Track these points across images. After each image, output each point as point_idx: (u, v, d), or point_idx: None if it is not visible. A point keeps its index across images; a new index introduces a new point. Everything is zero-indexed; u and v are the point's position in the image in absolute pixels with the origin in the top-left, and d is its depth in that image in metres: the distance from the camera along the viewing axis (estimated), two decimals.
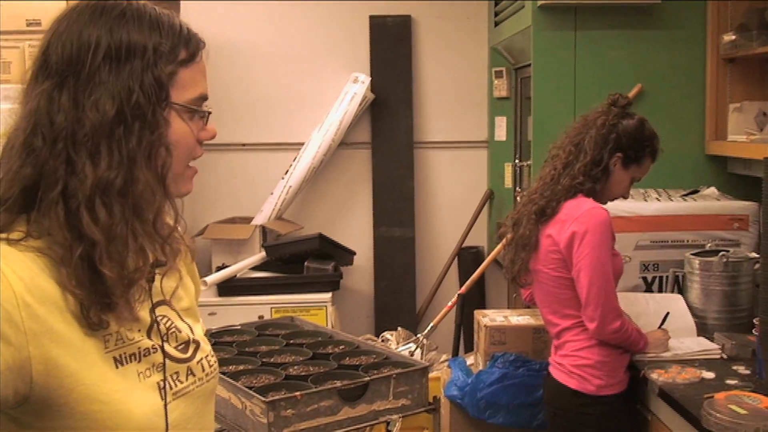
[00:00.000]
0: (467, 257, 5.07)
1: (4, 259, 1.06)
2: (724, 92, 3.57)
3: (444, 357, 4.04)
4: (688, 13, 3.63)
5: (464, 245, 5.11)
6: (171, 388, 1.22)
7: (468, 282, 4.20)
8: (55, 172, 1.09)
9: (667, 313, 2.90)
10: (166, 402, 1.20)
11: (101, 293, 1.10)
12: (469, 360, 3.47)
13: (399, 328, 4.29)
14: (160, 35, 1.15)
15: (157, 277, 1.25)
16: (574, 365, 2.64)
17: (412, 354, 3.75)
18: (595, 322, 2.57)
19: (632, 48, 3.65)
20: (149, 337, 1.21)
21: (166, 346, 1.23)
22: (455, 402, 3.26)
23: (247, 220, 4.78)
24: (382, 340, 4.13)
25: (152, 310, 1.23)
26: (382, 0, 5.01)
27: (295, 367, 2.72)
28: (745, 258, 3.00)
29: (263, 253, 4.61)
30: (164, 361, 1.22)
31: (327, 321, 4.37)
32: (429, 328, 4.04)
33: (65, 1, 3.74)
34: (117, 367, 1.14)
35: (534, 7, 3.64)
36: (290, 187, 4.75)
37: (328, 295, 4.46)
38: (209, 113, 1.23)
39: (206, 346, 1.33)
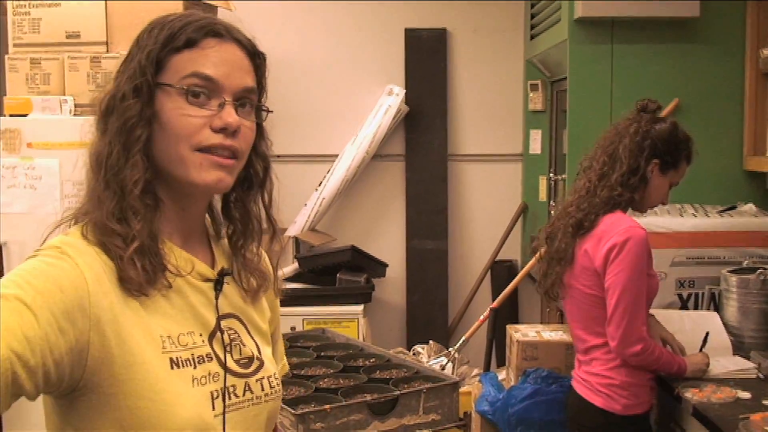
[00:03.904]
0: (500, 271, 5.04)
1: (77, 250, 1.13)
2: (763, 107, 3.52)
3: (476, 371, 4.01)
4: (726, 27, 3.59)
5: (498, 259, 5.08)
6: (225, 399, 1.21)
7: (501, 296, 4.17)
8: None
9: (707, 333, 2.84)
10: (224, 411, 1.20)
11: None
12: (501, 375, 3.44)
13: (431, 342, 4.28)
14: (161, 29, 1.20)
15: (227, 288, 1.28)
16: (601, 384, 2.61)
17: (443, 368, 3.73)
18: (615, 341, 2.53)
19: (669, 62, 3.62)
20: (210, 344, 1.22)
21: (228, 357, 1.24)
22: (486, 417, 3.23)
23: (281, 231, 4.79)
24: (414, 354, 4.12)
25: (218, 320, 1.25)
26: (418, 13, 5.02)
27: (326, 380, 2.71)
28: None
29: (296, 265, 4.62)
30: (222, 371, 1.22)
31: (359, 333, 4.37)
32: (461, 342, 4.02)
33: (105, 16, 3.82)
34: (172, 368, 1.15)
35: (571, 20, 3.62)
36: (324, 198, 4.76)
37: (360, 308, 4.46)
38: (225, 102, 1.19)
39: (271, 368, 1.32)
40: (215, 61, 1.19)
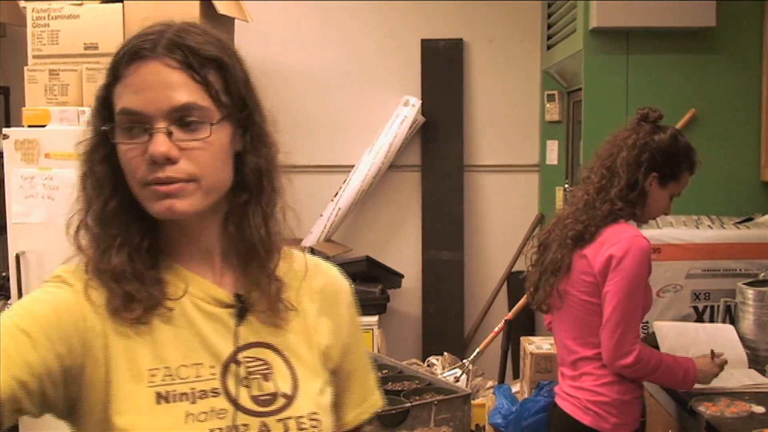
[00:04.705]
0: (517, 282, 5.01)
1: (77, 277, 1.13)
2: None
3: (490, 383, 3.99)
4: (743, 36, 3.56)
5: (514, 270, 5.06)
6: None
7: (515, 308, 4.16)
8: None
9: (712, 351, 2.77)
10: None
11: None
12: (515, 387, 3.42)
13: (445, 353, 4.26)
14: (115, 56, 1.15)
15: (253, 318, 1.19)
16: (591, 401, 2.49)
17: (457, 380, 3.71)
18: (606, 351, 2.43)
19: (686, 72, 3.59)
20: (222, 377, 1.14)
21: (242, 392, 1.15)
22: (499, 430, 3.21)
23: (297, 241, 4.79)
24: (428, 365, 4.11)
25: (237, 350, 1.16)
26: (434, 24, 5.02)
27: None
28: None
29: None
30: (232, 408, 1.13)
31: (373, 344, 4.36)
32: (475, 353, 4.01)
33: (122, 28, 3.85)
34: (158, 403, 1.10)
35: (586, 31, 3.61)
36: (340, 209, 4.76)
37: (374, 318, 4.45)
38: (152, 130, 1.10)
39: (307, 406, 1.19)
40: (135, 88, 1.11)
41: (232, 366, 1.15)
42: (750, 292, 2.94)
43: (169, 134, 1.10)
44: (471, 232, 5.11)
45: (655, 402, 2.78)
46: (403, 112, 4.84)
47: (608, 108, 3.60)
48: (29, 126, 3.76)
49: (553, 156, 4.90)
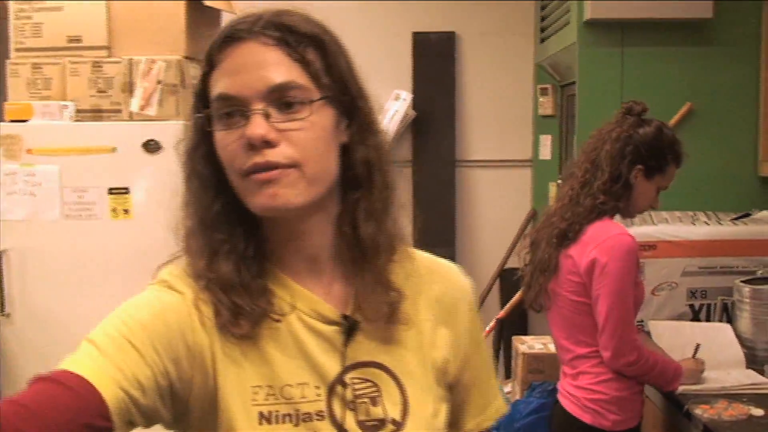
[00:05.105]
0: (509, 279, 4.94)
1: (184, 283, 1.07)
2: None
3: None
4: (741, 28, 3.48)
5: (506, 266, 4.99)
6: None
7: (507, 306, 4.09)
8: None
9: (698, 344, 2.73)
10: None
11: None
12: (507, 388, 3.36)
13: None
14: (211, 44, 1.09)
15: (363, 334, 1.10)
16: (590, 399, 2.49)
17: None
18: (608, 351, 2.43)
19: (682, 65, 3.51)
20: (328, 399, 1.06)
21: (348, 417, 1.07)
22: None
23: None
24: None
25: (344, 370, 1.08)
26: (426, 16, 4.94)
27: None
28: None
29: None
30: None
31: None
32: None
33: (106, 20, 3.77)
34: (261, 423, 1.03)
35: (580, 23, 3.54)
36: None
37: None
38: (249, 113, 1.03)
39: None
40: (231, 71, 1.04)
41: (339, 387, 1.07)
42: (747, 290, 2.88)
43: (267, 116, 1.02)
44: (463, 229, 5.04)
45: (650, 404, 2.71)
46: (394, 107, 4.76)
47: (602, 102, 3.52)
48: (11, 121, 3.67)
49: (546, 151, 4.84)
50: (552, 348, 3.15)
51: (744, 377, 2.67)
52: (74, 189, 3.57)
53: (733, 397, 2.51)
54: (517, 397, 3.14)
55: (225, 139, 1.04)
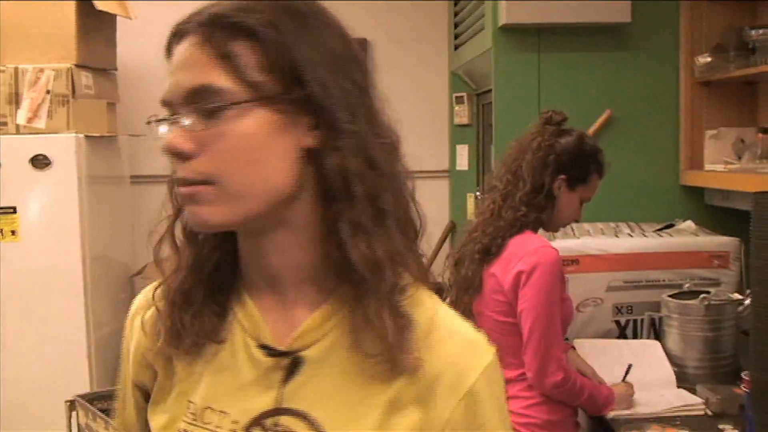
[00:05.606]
0: None
1: (138, 305, 1.08)
2: (699, 118, 3.32)
3: None
4: (659, 32, 3.38)
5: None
6: None
7: None
8: None
9: (629, 365, 2.62)
10: None
11: None
12: None
13: None
14: None
15: (308, 376, 0.94)
16: (521, 423, 2.36)
17: None
18: (532, 370, 2.32)
19: (600, 71, 3.40)
20: None
21: None
22: None
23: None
24: None
25: (269, 412, 0.93)
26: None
27: None
28: (728, 300, 2.73)
29: None
30: None
31: None
32: None
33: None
34: None
35: (495, 28, 3.39)
36: None
37: None
38: (158, 120, 0.93)
39: None
40: (169, 73, 0.93)
41: (256, 430, 0.94)
42: (674, 305, 2.76)
43: (187, 124, 0.89)
44: None
45: (580, 430, 2.56)
46: None
47: (520, 109, 3.38)
48: None
49: (463, 161, 4.70)
50: None
51: (675, 398, 2.54)
52: None
53: (665, 420, 2.39)
54: None
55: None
